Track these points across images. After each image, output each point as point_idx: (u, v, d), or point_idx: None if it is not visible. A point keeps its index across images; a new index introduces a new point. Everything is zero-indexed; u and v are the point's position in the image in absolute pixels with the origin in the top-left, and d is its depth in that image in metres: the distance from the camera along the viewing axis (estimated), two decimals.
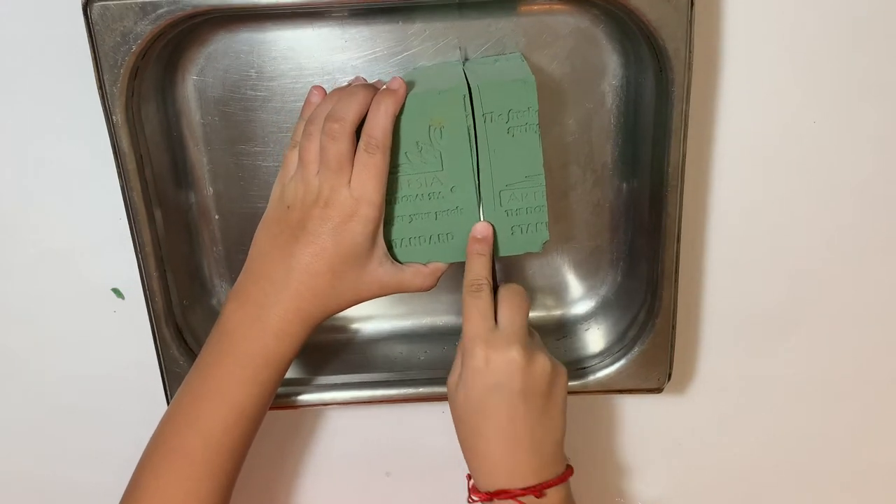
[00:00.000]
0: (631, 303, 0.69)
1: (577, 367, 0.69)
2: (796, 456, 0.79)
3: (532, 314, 0.73)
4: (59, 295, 0.71)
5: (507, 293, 0.60)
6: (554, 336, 0.73)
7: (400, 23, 0.62)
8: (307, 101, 0.60)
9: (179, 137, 0.65)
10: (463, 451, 0.60)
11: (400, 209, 0.60)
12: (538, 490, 0.58)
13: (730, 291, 0.71)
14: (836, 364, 0.74)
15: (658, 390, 0.68)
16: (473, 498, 0.60)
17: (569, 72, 0.64)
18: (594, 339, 0.72)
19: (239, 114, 0.64)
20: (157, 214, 0.63)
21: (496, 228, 0.62)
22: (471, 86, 0.58)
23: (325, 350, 0.73)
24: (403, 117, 0.57)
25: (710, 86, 0.64)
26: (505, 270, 0.71)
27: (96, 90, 0.58)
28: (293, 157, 0.59)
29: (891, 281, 0.71)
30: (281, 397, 0.68)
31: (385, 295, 0.61)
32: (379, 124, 0.56)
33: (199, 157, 0.66)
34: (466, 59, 0.63)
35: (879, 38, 0.62)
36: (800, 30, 0.63)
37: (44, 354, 0.74)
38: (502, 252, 0.63)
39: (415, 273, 0.61)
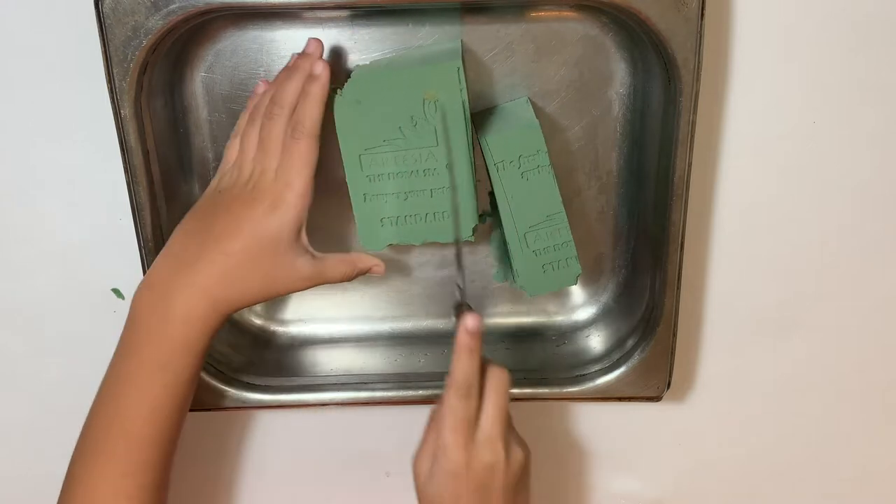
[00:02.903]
0: (632, 310, 0.70)
1: (576, 373, 0.69)
2: (796, 459, 0.79)
3: (533, 320, 0.74)
4: (59, 295, 0.71)
5: (494, 387, 0.57)
6: (554, 343, 0.73)
7: (409, 25, 0.62)
8: (253, 94, 0.61)
9: (186, 134, 0.65)
10: None
11: (395, 186, 0.59)
12: None
13: (731, 299, 0.71)
14: (837, 370, 0.75)
15: (657, 398, 0.69)
16: None
17: (576, 79, 0.64)
18: (594, 345, 0.72)
19: None
20: (162, 210, 0.63)
21: (528, 269, 0.63)
22: (479, 140, 0.60)
23: (326, 350, 0.73)
24: (399, 90, 0.57)
25: (717, 95, 0.64)
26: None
27: (99, 88, 0.58)
28: (234, 146, 0.60)
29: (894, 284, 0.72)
30: (282, 396, 0.69)
31: (307, 288, 0.59)
32: (306, 112, 0.56)
33: (205, 154, 0.66)
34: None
35: None
36: (809, 40, 0.63)
37: (44, 354, 0.73)
38: (538, 291, 0.65)
39: (338, 262, 0.60)
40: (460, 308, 0.58)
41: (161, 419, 0.58)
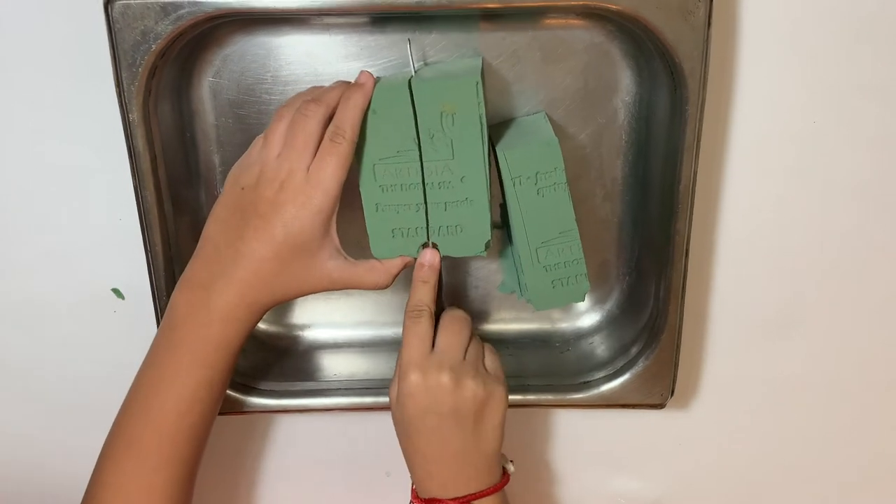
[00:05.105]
0: (636, 318, 0.70)
1: (580, 380, 0.70)
2: (798, 468, 0.79)
3: (537, 327, 0.74)
4: (59, 295, 0.71)
5: (448, 319, 0.62)
6: (559, 350, 0.73)
7: (416, 32, 0.62)
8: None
9: (193, 138, 0.65)
10: (405, 461, 0.63)
11: (408, 197, 0.59)
12: (466, 500, 0.61)
13: (735, 308, 0.71)
14: (840, 375, 0.75)
15: (661, 406, 0.69)
16: (413, 502, 0.64)
17: (582, 86, 0.64)
18: (598, 353, 0.72)
19: (253, 117, 0.65)
20: (169, 214, 0.63)
21: (538, 284, 0.63)
22: (497, 153, 0.60)
23: (330, 355, 0.73)
24: (416, 104, 0.57)
25: (723, 104, 0.64)
26: None
27: (106, 90, 0.58)
28: (259, 142, 0.59)
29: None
30: (286, 401, 0.69)
31: (335, 289, 0.60)
32: (347, 117, 0.57)
33: (212, 159, 0.66)
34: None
35: None
36: (816, 51, 0.63)
37: (44, 354, 0.73)
38: (546, 306, 0.65)
39: (369, 269, 0.60)
40: (424, 246, 0.62)
41: (195, 415, 0.60)
